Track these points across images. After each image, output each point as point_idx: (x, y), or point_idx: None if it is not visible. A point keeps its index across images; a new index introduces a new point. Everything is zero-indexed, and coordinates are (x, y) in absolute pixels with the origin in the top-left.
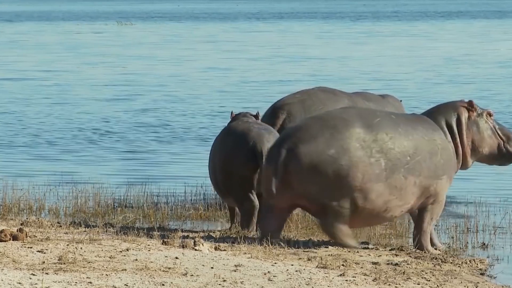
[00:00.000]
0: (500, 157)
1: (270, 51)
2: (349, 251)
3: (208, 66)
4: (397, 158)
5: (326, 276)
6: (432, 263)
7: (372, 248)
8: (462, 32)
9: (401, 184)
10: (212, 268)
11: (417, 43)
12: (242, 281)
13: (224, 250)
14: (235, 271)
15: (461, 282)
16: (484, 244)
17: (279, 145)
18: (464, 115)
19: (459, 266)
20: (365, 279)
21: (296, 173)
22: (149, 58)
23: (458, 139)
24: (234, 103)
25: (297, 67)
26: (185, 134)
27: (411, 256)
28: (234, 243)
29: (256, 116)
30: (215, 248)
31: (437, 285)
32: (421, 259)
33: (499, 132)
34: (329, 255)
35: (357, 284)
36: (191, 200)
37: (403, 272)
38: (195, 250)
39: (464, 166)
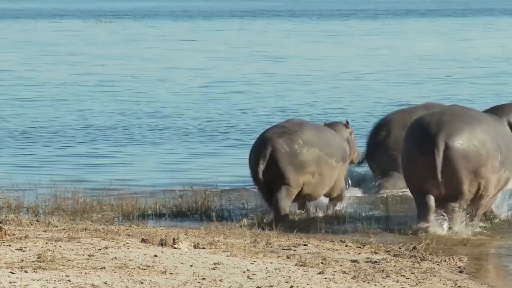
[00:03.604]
0: None
1: (234, 50)
2: (328, 249)
3: (170, 66)
4: (505, 155)
5: (305, 274)
6: (411, 261)
7: (351, 246)
8: (432, 31)
9: (504, 177)
10: (191, 266)
11: (386, 42)
12: (221, 279)
13: (203, 248)
14: (214, 269)
15: (440, 280)
16: (463, 241)
17: (435, 137)
18: None
19: (438, 264)
20: (344, 277)
21: (449, 161)
22: (120, 57)
23: None
24: (185, 104)
25: (257, 67)
26: (154, 133)
27: (390, 254)
28: (213, 241)
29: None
30: (194, 246)
31: (416, 283)
32: (400, 257)
33: None
34: (308, 253)
35: (336, 282)
36: (170, 198)
37: (382, 270)
38: (174, 248)
39: None
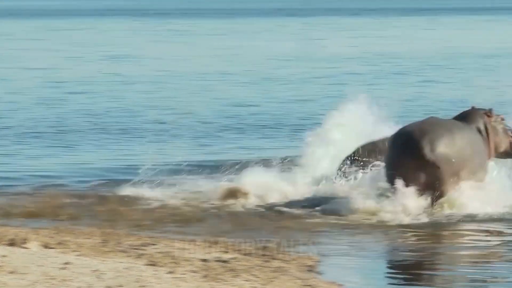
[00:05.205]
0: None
1: (79, 50)
2: (178, 249)
3: (11, 65)
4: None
5: (155, 274)
6: (262, 260)
7: (201, 245)
8: (281, 31)
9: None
10: (40, 266)
11: (232, 42)
12: (71, 279)
13: (53, 247)
14: (63, 268)
15: (290, 279)
16: (313, 241)
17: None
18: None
19: (288, 263)
20: (194, 276)
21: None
22: None
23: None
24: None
25: (100, 67)
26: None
27: (240, 253)
28: (62, 240)
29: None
30: (44, 246)
31: (266, 282)
32: (251, 256)
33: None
34: (158, 252)
35: (186, 281)
36: (20, 197)
37: (232, 269)
38: (24, 248)
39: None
